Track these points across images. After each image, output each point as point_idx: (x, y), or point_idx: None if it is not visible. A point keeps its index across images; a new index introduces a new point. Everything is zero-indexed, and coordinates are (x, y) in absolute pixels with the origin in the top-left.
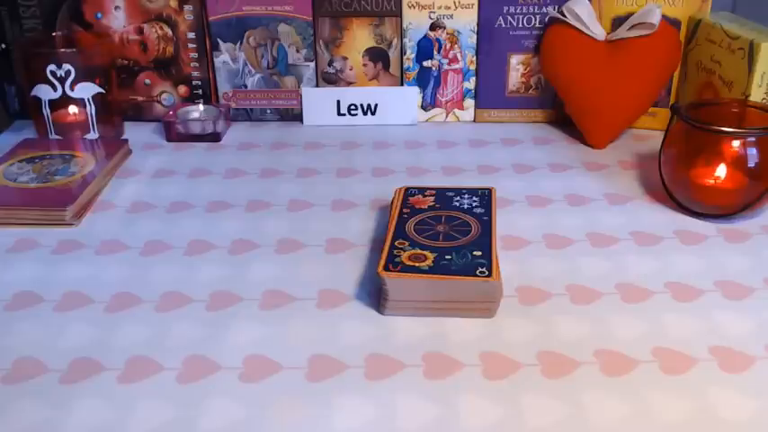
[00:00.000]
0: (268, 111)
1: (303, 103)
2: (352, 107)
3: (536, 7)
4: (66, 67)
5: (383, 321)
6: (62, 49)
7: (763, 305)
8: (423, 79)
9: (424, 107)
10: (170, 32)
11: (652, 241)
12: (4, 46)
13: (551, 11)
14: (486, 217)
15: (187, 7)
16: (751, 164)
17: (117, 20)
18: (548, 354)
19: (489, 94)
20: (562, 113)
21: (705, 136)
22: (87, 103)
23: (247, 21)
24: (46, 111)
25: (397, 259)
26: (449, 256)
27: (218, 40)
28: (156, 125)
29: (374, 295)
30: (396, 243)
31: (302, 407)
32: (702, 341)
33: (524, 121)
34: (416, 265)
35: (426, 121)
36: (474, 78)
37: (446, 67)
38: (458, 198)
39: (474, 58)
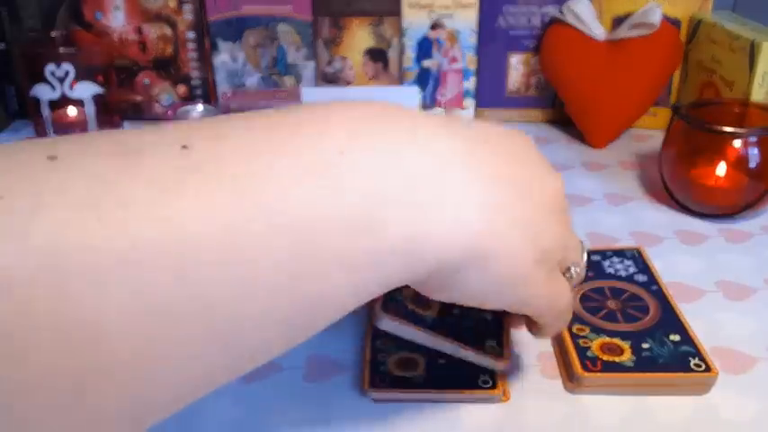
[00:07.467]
0: None
1: (303, 102)
2: None
3: (536, 7)
4: (66, 66)
5: None
6: (62, 49)
7: (764, 306)
8: (423, 79)
9: (423, 107)
10: (169, 32)
11: (652, 241)
12: (3, 46)
13: (551, 11)
14: None
15: (186, 7)
16: (752, 164)
17: (117, 20)
18: (548, 354)
19: (489, 94)
20: (562, 113)
21: (706, 136)
22: (86, 104)
23: (247, 20)
24: (45, 111)
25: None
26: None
27: (218, 39)
28: None
29: None
30: None
31: (302, 407)
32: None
33: (524, 121)
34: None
35: None
36: (474, 78)
37: (446, 67)
38: None
39: (474, 58)
